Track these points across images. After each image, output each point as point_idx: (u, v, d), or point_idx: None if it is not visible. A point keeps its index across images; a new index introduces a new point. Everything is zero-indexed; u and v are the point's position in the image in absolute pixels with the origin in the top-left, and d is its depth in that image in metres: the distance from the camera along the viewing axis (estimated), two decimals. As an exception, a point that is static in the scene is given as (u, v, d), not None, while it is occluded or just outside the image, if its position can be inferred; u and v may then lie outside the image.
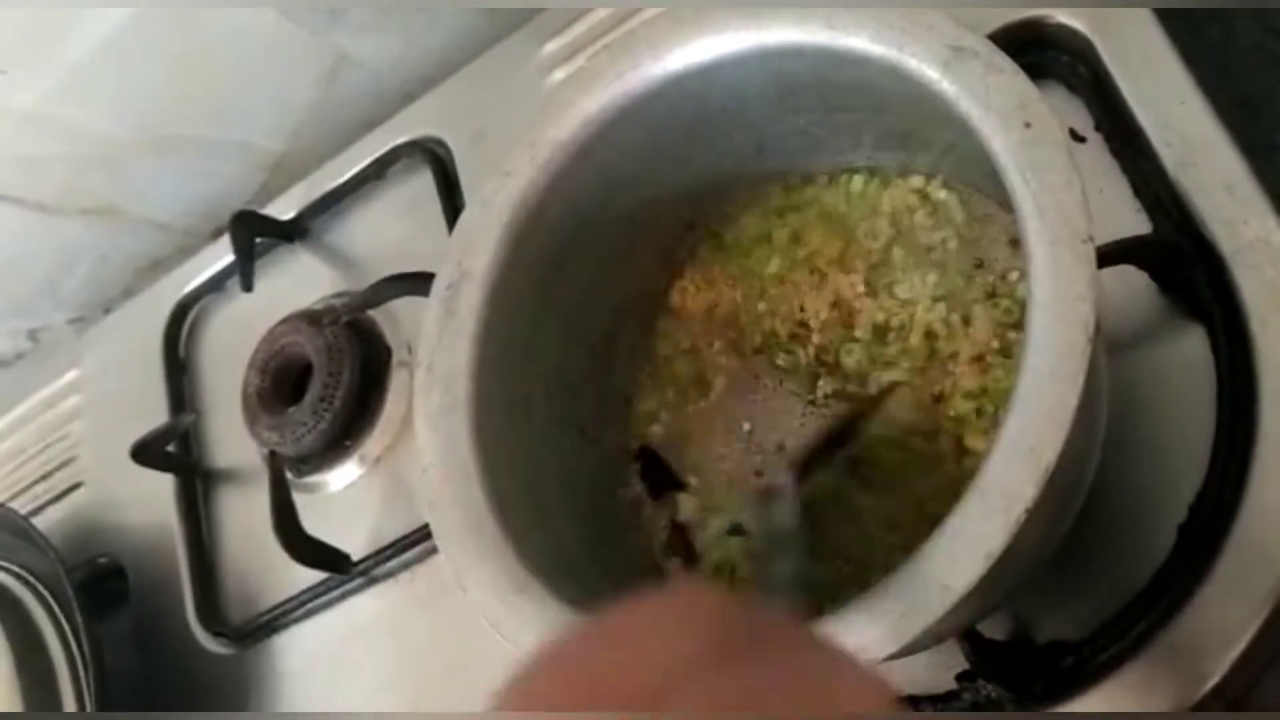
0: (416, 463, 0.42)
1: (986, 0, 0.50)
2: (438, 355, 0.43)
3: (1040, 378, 0.32)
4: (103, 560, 0.68)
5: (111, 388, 0.74)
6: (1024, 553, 0.33)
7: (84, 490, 0.72)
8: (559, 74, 0.62)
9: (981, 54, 0.35)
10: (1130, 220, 0.46)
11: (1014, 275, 0.43)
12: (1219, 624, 0.40)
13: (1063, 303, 0.32)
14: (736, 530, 0.46)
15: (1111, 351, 0.44)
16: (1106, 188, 0.47)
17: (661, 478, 0.48)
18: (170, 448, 0.67)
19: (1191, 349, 0.44)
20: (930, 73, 0.36)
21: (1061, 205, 0.32)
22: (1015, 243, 0.43)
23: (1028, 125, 0.34)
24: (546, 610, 0.38)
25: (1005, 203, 0.35)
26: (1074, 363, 0.31)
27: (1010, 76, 0.35)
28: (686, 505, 0.47)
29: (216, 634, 0.63)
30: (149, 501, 0.67)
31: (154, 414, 0.69)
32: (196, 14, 0.65)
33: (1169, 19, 0.48)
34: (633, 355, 0.49)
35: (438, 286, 0.44)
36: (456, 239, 0.44)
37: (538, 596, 0.38)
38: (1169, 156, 0.45)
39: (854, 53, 0.38)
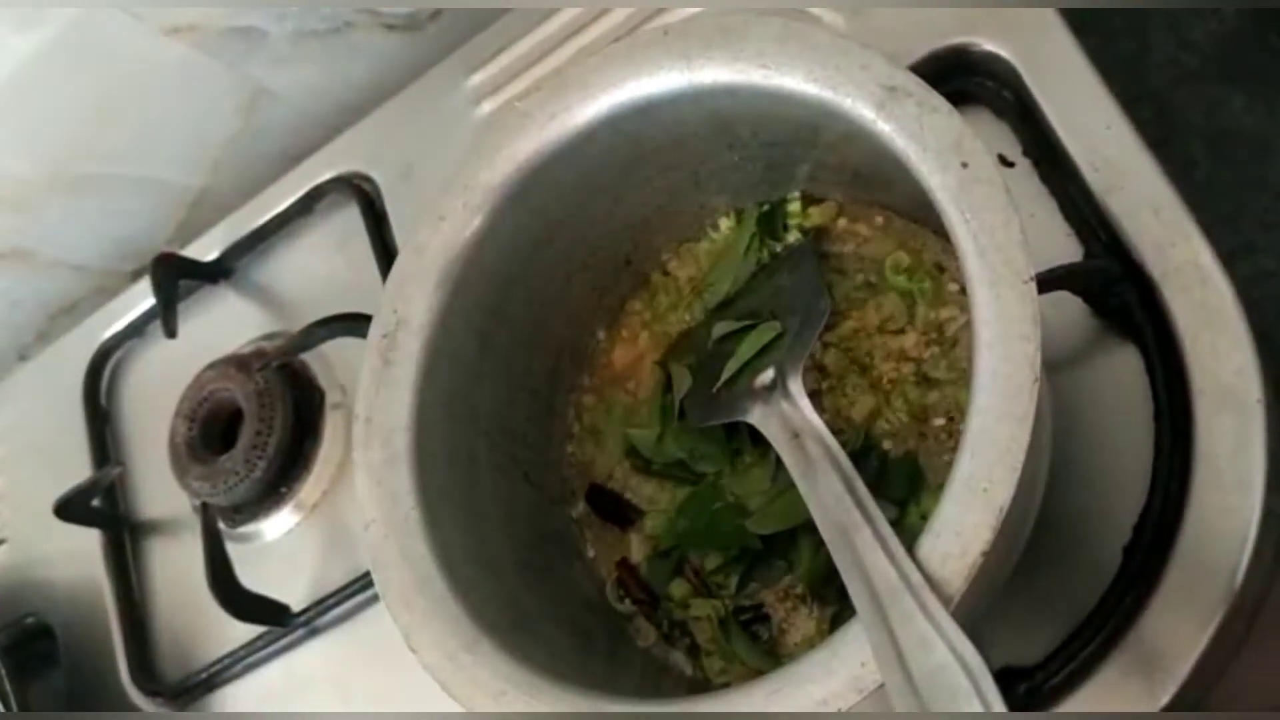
0: (355, 507, 0.41)
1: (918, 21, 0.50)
2: (376, 407, 0.42)
3: (989, 418, 0.32)
4: (30, 620, 0.66)
5: (31, 440, 0.71)
6: (979, 592, 0.33)
7: (6, 548, 0.70)
8: (487, 106, 0.61)
9: (915, 93, 0.35)
10: (1061, 244, 0.47)
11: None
12: (1167, 642, 0.40)
13: (1008, 343, 0.32)
14: (681, 567, 0.45)
15: (1049, 373, 0.44)
16: (1037, 212, 0.47)
17: (613, 512, 0.47)
18: (96, 502, 0.64)
19: (1127, 370, 0.44)
20: (865, 112, 0.36)
21: (1002, 246, 0.32)
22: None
23: (964, 165, 0.34)
24: (498, 669, 0.37)
25: (941, 231, 0.36)
26: (1022, 403, 0.32)
27: (945, 116, 0.35)
28: (635, 545, 0.46)
29: (152, 694, 0.60)
30: (76, 558, 0.65)
31: (77, 465, 0.66)
32: (105, 48, 0.63)
33: (1085, 36, 0.48)
34: (574, 394, 0.49)
35: (373, 336, 0.43)
36: (390, 287, 0.43)
37: (488, 655, 0.37)
38: (1096, 181, 0.46)
39: (788, 92, 0.38)
